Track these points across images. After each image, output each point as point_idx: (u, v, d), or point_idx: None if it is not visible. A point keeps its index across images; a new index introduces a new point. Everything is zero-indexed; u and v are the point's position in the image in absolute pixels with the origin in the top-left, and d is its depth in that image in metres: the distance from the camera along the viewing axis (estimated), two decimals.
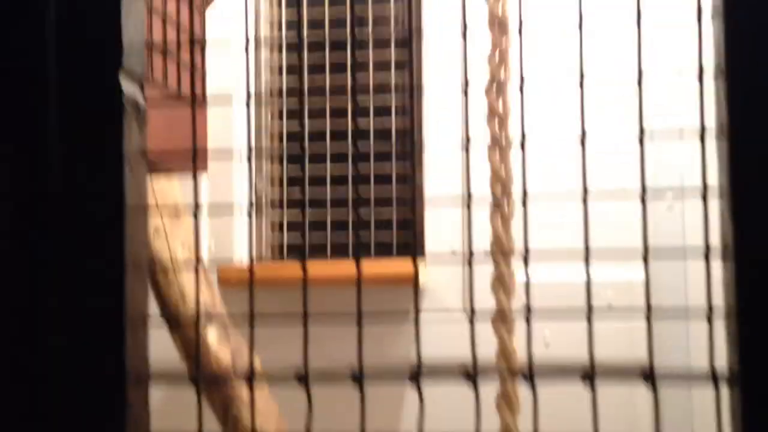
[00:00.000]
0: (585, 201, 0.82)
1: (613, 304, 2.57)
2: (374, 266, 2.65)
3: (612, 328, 2.44)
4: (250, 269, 0.84)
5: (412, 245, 2.85)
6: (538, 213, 0.97)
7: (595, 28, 0.85)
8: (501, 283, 1.46)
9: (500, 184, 1.44)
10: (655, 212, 2.45)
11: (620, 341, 1.48)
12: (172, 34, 1.28)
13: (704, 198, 0.77)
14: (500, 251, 1.49)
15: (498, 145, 1.44)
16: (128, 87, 0.75)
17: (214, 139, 1.42)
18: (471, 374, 0.76)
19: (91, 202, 0.75)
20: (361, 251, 2.86)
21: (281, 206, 2.99)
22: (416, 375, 0.72)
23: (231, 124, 2.73)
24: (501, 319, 1.50)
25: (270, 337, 0.81)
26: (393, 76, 2.92)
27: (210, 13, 1.40)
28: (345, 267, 2.54)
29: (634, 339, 0.94)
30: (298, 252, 2.93)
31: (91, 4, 0.76)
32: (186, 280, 1.91)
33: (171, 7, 1.28)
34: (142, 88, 0.78)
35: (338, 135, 2.93)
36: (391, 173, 2.90)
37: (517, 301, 1.74)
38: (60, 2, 0.75)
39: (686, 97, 1.13)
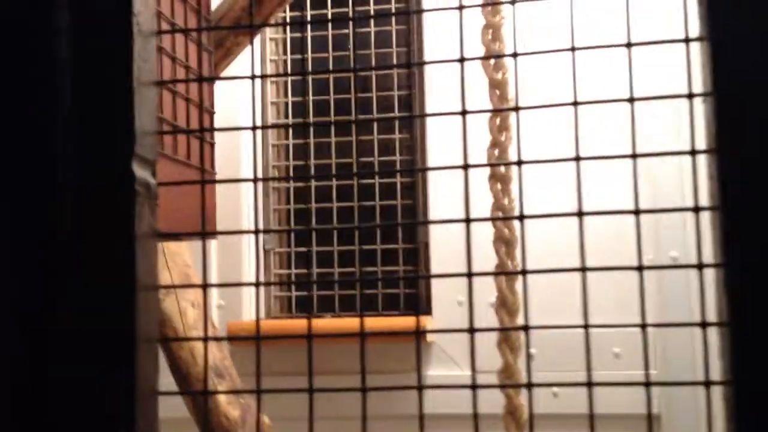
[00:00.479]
0: (584, 270, 0.84)
1: (620, 352, 2.57)
2: (380, 322, 2.66)
3: (620, 375, 2.44)
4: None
5: (418, 301, 2.86)
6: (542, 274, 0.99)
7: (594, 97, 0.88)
8: (507, 343, 1.48)
9: (504, 244, 1.47)
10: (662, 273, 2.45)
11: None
12: (181, 104, 1.31)
13: (700, 268, 0.79)
14: (505, 311, 1.50)
15: (501, 207, 1.46)
16: (140, 172, 0.78)
17: (221, 197, 1.43)
18: None
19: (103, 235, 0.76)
20: (367, 306, 2.87)
21: (288, 263, 3.01)
22: None
23: (239, 187, 2.77)
24: (507, 377, 1.52)
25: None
26: (397, 131, 2.96)
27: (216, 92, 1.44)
28: (352, 324, 2.56)
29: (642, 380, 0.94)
30: (306, 307, 2.94)
31: (104, 92, 0.78)
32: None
33: (180, 74, 1.32)
34: (153, 172, 0.80)
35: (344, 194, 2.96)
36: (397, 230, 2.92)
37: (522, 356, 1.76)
38: (74, 91, 0.78)
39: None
